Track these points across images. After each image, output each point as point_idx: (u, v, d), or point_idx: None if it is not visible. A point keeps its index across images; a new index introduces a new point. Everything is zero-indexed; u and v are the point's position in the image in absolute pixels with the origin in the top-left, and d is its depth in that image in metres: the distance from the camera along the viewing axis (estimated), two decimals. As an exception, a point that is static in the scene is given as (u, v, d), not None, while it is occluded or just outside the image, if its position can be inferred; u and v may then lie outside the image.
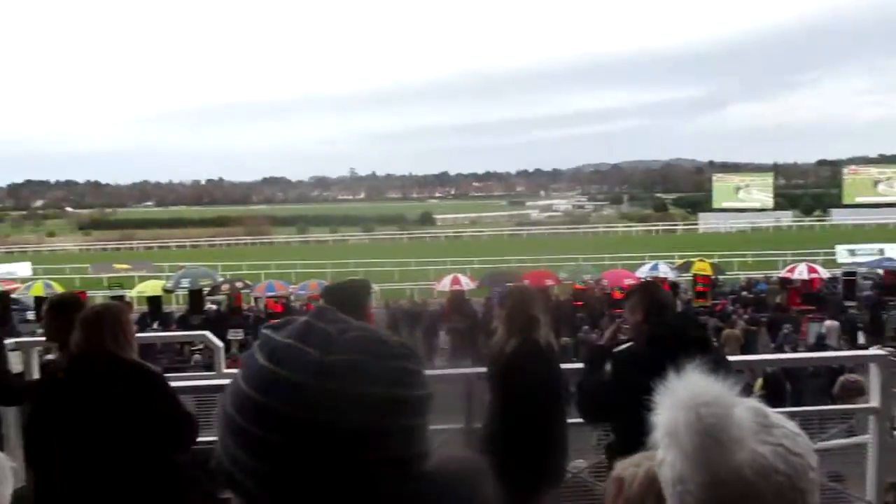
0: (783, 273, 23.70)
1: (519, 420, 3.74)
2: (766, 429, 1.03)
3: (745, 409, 1.04)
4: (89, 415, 3.17)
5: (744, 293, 23.02)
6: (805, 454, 1.03)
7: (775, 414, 1.07)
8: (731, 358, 4.58)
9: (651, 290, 3.92)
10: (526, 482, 3.61)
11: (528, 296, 3.98)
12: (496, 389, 3.91)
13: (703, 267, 22.26)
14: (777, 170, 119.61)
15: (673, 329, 3.48)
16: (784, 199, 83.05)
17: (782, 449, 1.02)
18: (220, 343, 5.76)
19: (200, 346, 14.62)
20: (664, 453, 1.07)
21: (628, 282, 21.60)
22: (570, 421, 4.04)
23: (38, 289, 22.78)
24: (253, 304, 23.40)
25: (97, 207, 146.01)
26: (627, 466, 1.36)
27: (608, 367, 3.63)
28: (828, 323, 17.19)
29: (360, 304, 3.87)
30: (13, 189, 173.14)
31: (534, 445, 3.72)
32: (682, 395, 1.01)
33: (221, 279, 25.16)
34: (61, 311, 3.88)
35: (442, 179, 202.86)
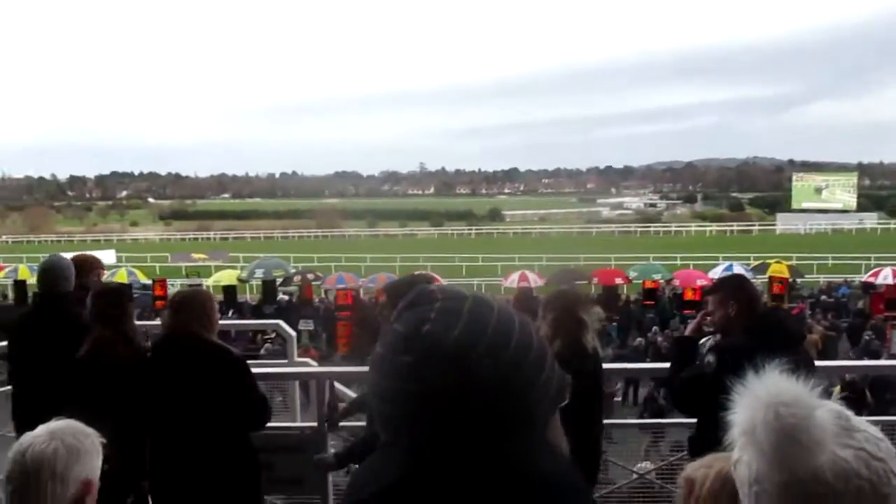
0: (866, 277, 22.71)
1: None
2: (848, 432, 1.01)
3: (827, 412, 1.02)
4: (176, 392, 3.37)
5: (823, 297, 22.19)
6: (888, 459, 1.01)
7: (858, 418, 1.05)
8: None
9: (742, 283, 3.81)
10: None
11: (574, 299, 3.93)
12: None
13: (779, 269, 21.51)
14: (862, 169, 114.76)
15: (776, 322, 3.48)
16: (868, 200, 79.57)
17: (864, 453, 1.00)
18: (292, 332, 5.91)
19: (272, 335, 15.00)
20: (740, 452, 1.06)
21: (700, 283, 21.09)
22: (612, 422, 4.01)
23: (122, 276, 23.75)
24: (323, 295, 23.84)
25: (177, 198, 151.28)
26: (699, 467, 1.35)
27: (709, 358, 3.54)
28: (914, 330, 16.42)
29: None
30: (100, 180, 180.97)
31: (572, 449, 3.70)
32: (761, 393, 1.00)
33: (294, 270, 25.72)
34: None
35: (511, 175, 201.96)
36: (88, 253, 5.20)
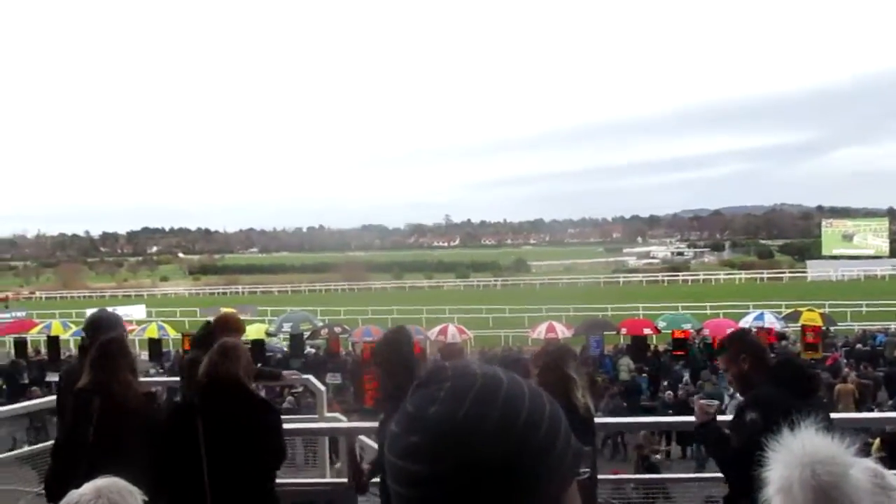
0: (902, 325, 22.23)
1: None
2: (884, 490, 1.02)
3: (862, 470, 1.03)
4: (224, 436, 3.44)
5: (858, 346, 21.72)
6: None
7: (892, 476, 1.05)
8: (845, 415, 4.39)
9: (747, 336, 3.94)
10: None
11: (559, 354, 3.87)
12: None
13: (812, 317, 21.11)
14: (892, 214, 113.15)
15: (797, 368, 3.55)
16: (901, 246, 78.14)
17: None
18: (321, 387, 5.93)
19: (300, 389, 14.99)
20: None
21: (731, 332, 20.81)
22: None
23: (153, 331, 24.03)
24: (350, 348, 23.86)
25: (206, 253, 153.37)
26: None
27: (751, 416, 3.49)
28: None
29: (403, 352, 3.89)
30: (132, 236, 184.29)
31: None
32: (797, 451, 1.02)
33: (321, 324, 25.82)
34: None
35: (536, 226, 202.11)
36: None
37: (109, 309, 4.92)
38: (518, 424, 0.87)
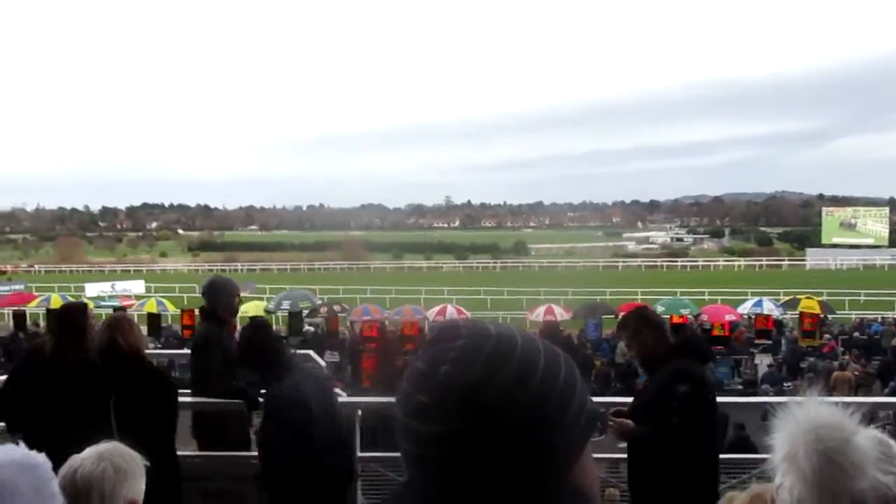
0: (900, 314, 22.28)
1: None
2: (890, 459, 1.03)
3: (868, 438, 1.03)
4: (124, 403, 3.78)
5: (855, 334, 21.78)
6: None
7: (900, 445, 1.06)
8: (845, 399, 4.41)
9: (645, 312, 4.03)
10: None
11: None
12: None
13: (810, 305, 21.15)
14: (893, 204, 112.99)
15: (696, 336, 3.78)
16: (901, 236, 78.14)
17: None
18: (322, 361, 5.95)
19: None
20: (782, 477, 1.08)
21: (729, 318, 20.82)
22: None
23: (151, 306, 24.07)
24: (349, 326, 23.91)
25: (206, 230, 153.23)
26: (741, 492, 1.36)
27: (682, 388, 3.56)
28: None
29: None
30: (131, 211, 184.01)
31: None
32: (801, 419, 1.02)
33: (320, 302, 25.85)
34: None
35: (536, 209, 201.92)
36: None
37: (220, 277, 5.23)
38: (532, 385, 0.85)
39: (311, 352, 6.03)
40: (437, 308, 23.40)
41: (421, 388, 0.87)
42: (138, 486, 1.97)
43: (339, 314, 23.72)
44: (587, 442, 0.91)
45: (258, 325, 4.11)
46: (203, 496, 4.43)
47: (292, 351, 4.50)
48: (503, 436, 0.83)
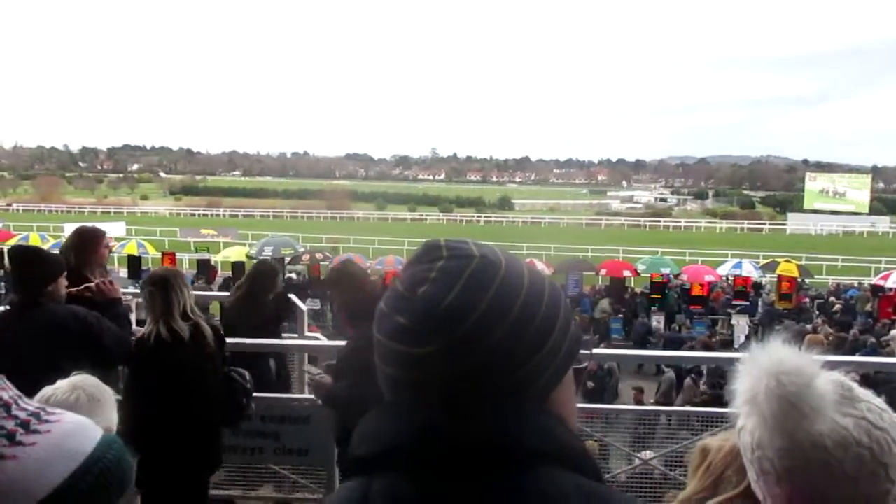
0: (875, 280, 22.61)
1: None
2: (850, 401, 1.05)
3: (828, 381, 1.05)
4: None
5: (831, 299, 22.12)
6: (890, 429, 1.04)
7: (861, 388, 1.08)
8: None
9: (351, 268, 4.11)
10: None
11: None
12: None
13: (789, 268, 21.42)
14: (876, 172, 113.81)
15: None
16: (882, 204, 78.98)
17: (865, 422, 1.03)
18: (304, 306, 5.96)
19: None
20: (744, 420, 1.10)
21: (709, 278, 21.05)
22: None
23: (132, 248, 23.89)
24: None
25: (188, 174, 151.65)
26: (716, 439, 1.39)
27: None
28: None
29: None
30: (112, 152, 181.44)
31: None
32: (763, 363, 1.03)
33: (302, 250, 25.80)
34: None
35: (522, 164, 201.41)
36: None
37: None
38: (511, 312, 0.83)
39: (292, 296, 6.03)
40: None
41: (399, 309, 0.85)
42: (112, 416, 1.97)
43: (322, 262, 23.70)
44: (567, 370, 0.90)
45: None
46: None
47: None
48: (479, 359, 0.81)
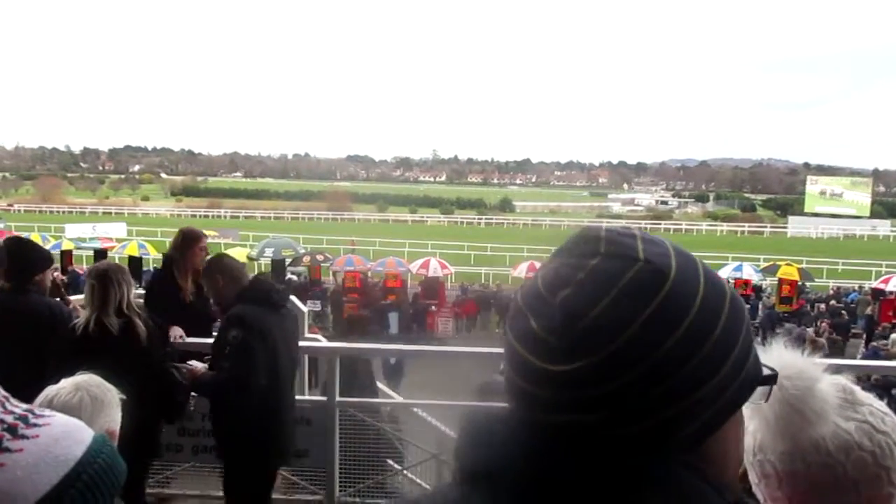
0: (876, 284, 22.59)
1: None
2: (852, 405, 1.05)
3: (830, 385, 1.05)
4: None
5: (832, 302, 22.12)
6: (892, 433, 1.04)
7: (863, 392, 1.08)
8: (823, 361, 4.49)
9: (225, 260, 4.16)
10: None
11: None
12: None
13: (789, 271, 21.42)
14: (877, 176, 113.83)
15: (266, 286, 3.87)
16: (882, 207, 79.02)
17: (867, 426, 1.03)
18: (304, 308, 5.96)
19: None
20: (747, 422, 1.10)
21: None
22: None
23: (133, 249, 23.93)
24: (331, 277, 23.93)
25: (189, 175, 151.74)
26: None
27: (233, 333, 3.63)
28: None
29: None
30: (113, 153, 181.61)
31: None
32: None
33: (303, 251, 25.81)
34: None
35: (523, 166, 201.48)
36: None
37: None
38: (670, 339, 0.65)
39: (293, 298, 6.03)
40: (420, 261, 23.44)
41: (534, 311, 0.69)
42: (115, 416, 1.97)
43: (323, 264, 23.72)
44: (734, 412, 0.72)
45: None
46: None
47: None
48: (620, 395, 0.65)
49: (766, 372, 0.75)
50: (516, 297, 0.72)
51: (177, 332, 4.17)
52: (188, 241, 4.94)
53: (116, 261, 5.62)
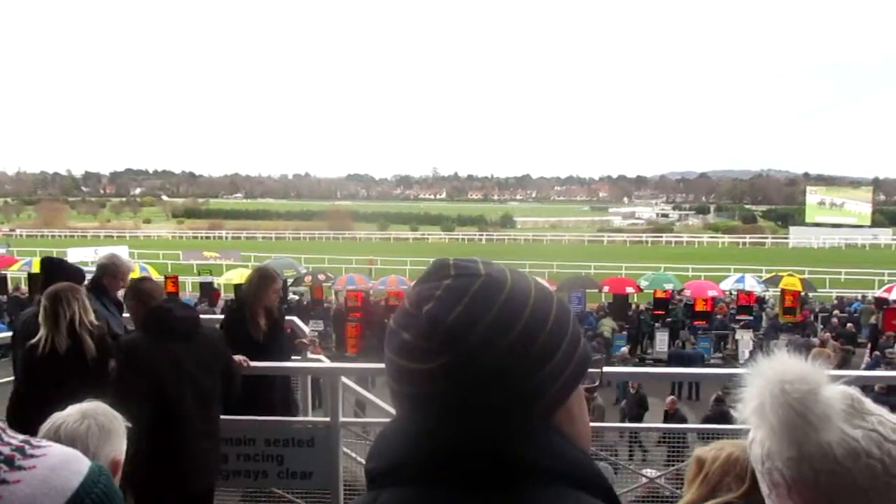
0: (880, 293, 22.53)
1: None
2: (860, 413, 1.04)
3: (836, 391, 1.05)
4: None
5: (835, 312, 22.07)
6: None
7: (872, 403, 1.08)
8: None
9: (141, 284, 4.34)
10: None
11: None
12: None
13: (792, 282, 21.36)
14: (877, 185, 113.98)
15: (165, 314, 3.82)
16: (883, 216, 79.03)
17: (876, 434, 1.02)
18: (306, 328, 5.96)
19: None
20: (754, 432, 1.09)
21: (712, 293, 20.99)
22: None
23: (135, 272, 23.90)
24: (333, 297, 23.91)
25: (190, 197, 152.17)
26: (710, 450, 1.39)
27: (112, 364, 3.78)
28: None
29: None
30: (115, 176, 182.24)
31: None
32: (768, 372, 1.04)
33: (305, 271, 25.80)
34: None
35: (524, 182, 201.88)
36: None
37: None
38: (513, 331, 0.84)
39: (295, 318, 6.02)
40: (421, 279, 23.40)
41: (405, 326, 0.86)
42: (121, 445, 1.96)
43: (324, 283, 23.71)
44: (574, 388, 0.89)
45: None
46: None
47: None
48: (482, 375, 0.82)
49: (594, 357, 0.93)
50: (390, 322, 0.89)
51: (239, 358, 4.19)
52: (264, 281, 5.06)
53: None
